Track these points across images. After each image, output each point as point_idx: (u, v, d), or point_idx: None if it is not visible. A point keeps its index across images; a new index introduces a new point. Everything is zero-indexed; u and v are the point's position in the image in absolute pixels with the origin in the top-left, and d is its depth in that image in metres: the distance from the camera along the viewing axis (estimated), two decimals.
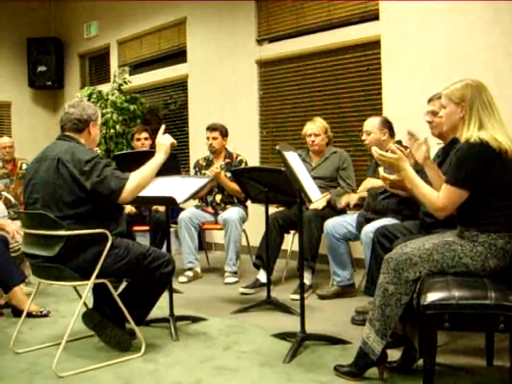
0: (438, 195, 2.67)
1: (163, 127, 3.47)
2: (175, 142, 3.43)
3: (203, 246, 6.06)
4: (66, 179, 3.08)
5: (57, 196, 3.09)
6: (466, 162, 2.57)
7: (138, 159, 3.38)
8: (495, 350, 2.93)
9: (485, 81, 2.85)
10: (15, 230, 4.17)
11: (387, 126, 4.28)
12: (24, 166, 5.10)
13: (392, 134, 4.30)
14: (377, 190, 4.19)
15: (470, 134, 2.62)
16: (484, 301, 2.39)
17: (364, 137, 4.34)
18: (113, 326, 3.28)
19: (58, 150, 3.17)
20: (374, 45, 5.54)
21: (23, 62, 9.14)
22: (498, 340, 2.93)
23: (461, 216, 2.70)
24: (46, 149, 3.29)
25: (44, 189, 3.14)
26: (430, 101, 3.71)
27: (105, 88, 7.93)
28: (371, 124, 4.31)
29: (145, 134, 5.73)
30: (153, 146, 6.07)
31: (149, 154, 3.40)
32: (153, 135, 5.85)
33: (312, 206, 4.48)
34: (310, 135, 4.96)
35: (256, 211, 5.33)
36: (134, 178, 3.16)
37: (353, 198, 4.50)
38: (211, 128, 5.51)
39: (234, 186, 4.82)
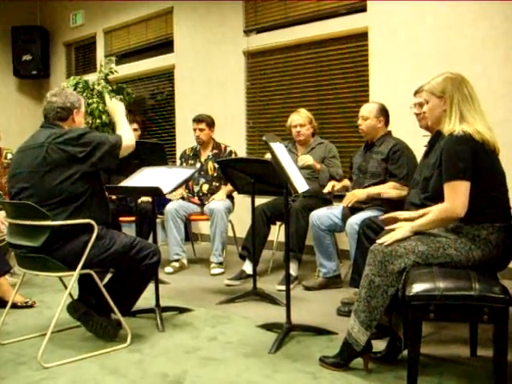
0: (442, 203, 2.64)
1: (107, 96, 3.78)
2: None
3: (189, 236, 6.06)
4: (58, 161, 3.07)
5: (45, 183, 3.07)
6: (458, 154, 2.58)
7: None
8: (479, 341, 2.96)
9: (473, 73, 2.88)
10: (0, 221, 4.14)
11: (384, 113, 4.26)
12: (9, 156, 5.05)
13: (387, 122, 4.28)
14: (360, 180, 4.23)
15: (452, 127, 2.65)
16: (468, 292, 2.40)
17: (360, 121, 4.29)
18: (98, 315, 3.27)
19: (43, 138, 3.14)
20: (362, 37, 5.54)
21: (8, 50, 9.03)
22: (481, 331, 2.96)
23: None
24: (31, 137, 3.26)
25: (31, 178, 3.12)
26: (416, 93, 3.73)
27: (91, 78, 7.87)
28: (368, 110, 4.28)
29: (134, 125, 5.71)
30: (141, 136, 6.09)
31: (137, 144, 3.41)
32: (141, 127, 5.89)
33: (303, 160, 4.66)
34: (296, 126, 4.97)
35: (243, 202, 5.33)
36: (123, 132, 3.35)
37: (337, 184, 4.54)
38: (197, 119, 5.50)
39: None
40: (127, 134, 3.34)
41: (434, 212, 2.66)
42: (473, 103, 2.70)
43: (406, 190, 3.87)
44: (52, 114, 3.27)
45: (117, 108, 3.54)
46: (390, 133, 4.30)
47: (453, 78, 2.76)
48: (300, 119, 4.97)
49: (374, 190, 4.07)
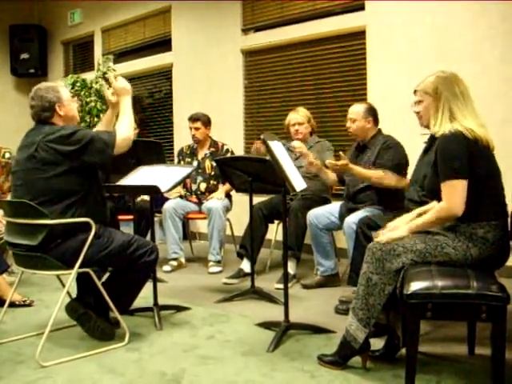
0: (440, 202, 2.64)
1: (111, 74, 3.62)
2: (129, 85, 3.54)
3: (187, 235, 6.06)
4: (47, 159, 3.06)
5: (36, 180, 3.08)
6: (453, 153, 2.59)
7: None
8: (477, 339, 2.96)
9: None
10: None
11: (372, 113, 4.25)
12: (7, 155, 5.03)
13: (376, 121, 4.28)
14: (355, 180, 4.22)
15: (439, 125, 2.67)
16: (466, 290, 2.41)
17: (348, 124, 4.30)
18: (96, 317, 3.27)
19: (35, 136, 3.15)
20: (360, 35, 5.54)
21: (5, 49, 9.01)
22: (479, 329, 2.96)
23: None
24: (25, 136, 3.27)
25: (24, 175, 3.13)
26: (416, 91, 3.72)
27: (89, 76, 7.86)
28: (356, 111, 4.27)
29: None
30: (139, 134, 6.05)
31: (135, 143, 3.39)
32: (139, 126, 5.87)
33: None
34: (294, 124, 4.96)
35: (240, 201, 5.33)
36: (121, 127, 3.27)
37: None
38: (193, 118, 5.50)
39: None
40: (124, 129, 3.26)
41: (431, 212, 2.66)
42: (464, 101, 2.70)
43: (403, 179, 3.96)
44: (37, 117, 3.28)
45: (125, 89, 3.46)
46: (380, 131, 4.29)
47: (444, 76, 2.77)
48: (298, 118, 4.96)
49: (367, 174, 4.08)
